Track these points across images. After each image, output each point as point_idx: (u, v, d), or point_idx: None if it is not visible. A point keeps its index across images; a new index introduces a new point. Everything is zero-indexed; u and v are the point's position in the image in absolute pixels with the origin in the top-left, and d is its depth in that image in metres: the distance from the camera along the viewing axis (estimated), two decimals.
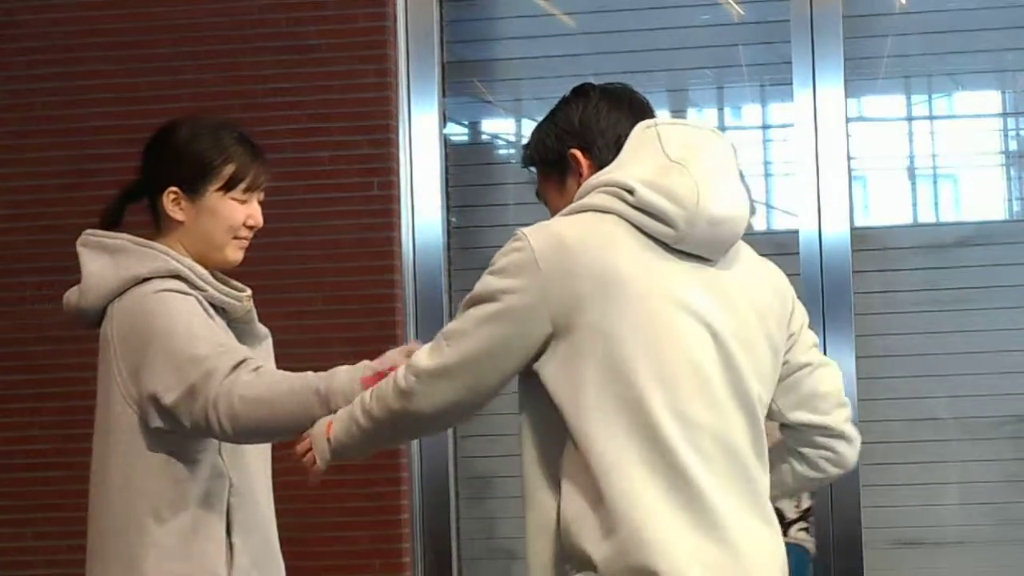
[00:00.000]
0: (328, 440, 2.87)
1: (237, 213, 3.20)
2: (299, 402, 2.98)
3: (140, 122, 5.30)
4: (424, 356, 2.72)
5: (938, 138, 5.45)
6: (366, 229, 5.14)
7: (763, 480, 2.74)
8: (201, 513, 3.13)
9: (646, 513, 2.58)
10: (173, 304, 3.09)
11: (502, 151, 5.66)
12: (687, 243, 2.70)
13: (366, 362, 3.02)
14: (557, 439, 2.67)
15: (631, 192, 2.68)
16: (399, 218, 5.19)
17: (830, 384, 2.92)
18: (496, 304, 2.66)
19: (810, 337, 2.92)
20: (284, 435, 3.07)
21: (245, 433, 3.03)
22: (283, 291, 5.03)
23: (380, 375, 2.93)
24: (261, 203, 3.27)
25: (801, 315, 2.91)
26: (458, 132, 5.53)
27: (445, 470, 5.22)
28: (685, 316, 2.66)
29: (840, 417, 2.92)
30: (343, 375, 2.99)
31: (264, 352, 3.30)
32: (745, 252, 2.84)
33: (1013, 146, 5.48)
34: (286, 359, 3.26)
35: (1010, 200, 5.44)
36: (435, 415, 2.74)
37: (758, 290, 2.79)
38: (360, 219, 5.15)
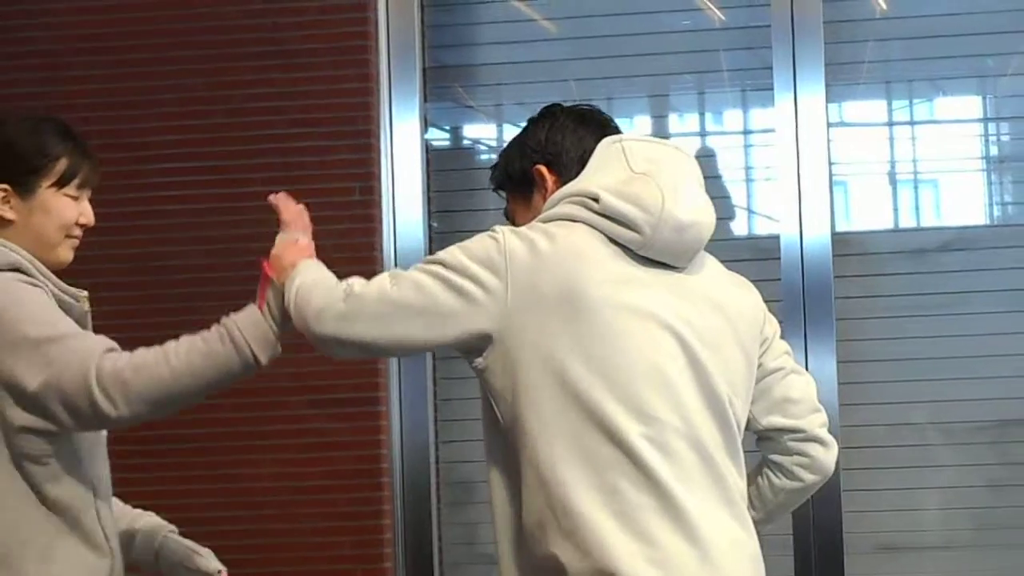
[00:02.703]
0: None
1: (70, 210, 3.11)
2: (197, 349, 2.90)
3: (123, 127, 5.33)
4: (360, 283, 2.76)
5: (919, 143, 5.45)
6: (347, 234, 5.13)
7: (736, 481, 2.76)
8: (61, 524, 2.99)
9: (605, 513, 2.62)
10: (21, 291, 2.96)
11: (484, 156, 5.65)
12: (652, 249, 2.72)
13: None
14: (510, 447, 2.70)
15: (596, 200, 2.72)
16: (380, 223, 5.19)
17: (801, 391, 2.95)
18: (455, 276, 2.68)
19: (782, 345, 2.96)
20: (190, 394, 2.92)
21: (141, 403, 2.86)
22: None
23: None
24: (91, 202, 3.18)
25: (773, 324, 2.95)
26: (440, 137, 5.53)
27: (427, 475, 5.21)
28: (647, 322, 2.69)
29: (814, 422, 2.95)
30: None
31: None
32: (711, 262, 2.87)
33: (994, 151, 5.49)
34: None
35: (991, 205, 5.45)
36: (338, 342, 2.79)
37: (726, 295, 2.82)
38: (341, 224, 5.13)
